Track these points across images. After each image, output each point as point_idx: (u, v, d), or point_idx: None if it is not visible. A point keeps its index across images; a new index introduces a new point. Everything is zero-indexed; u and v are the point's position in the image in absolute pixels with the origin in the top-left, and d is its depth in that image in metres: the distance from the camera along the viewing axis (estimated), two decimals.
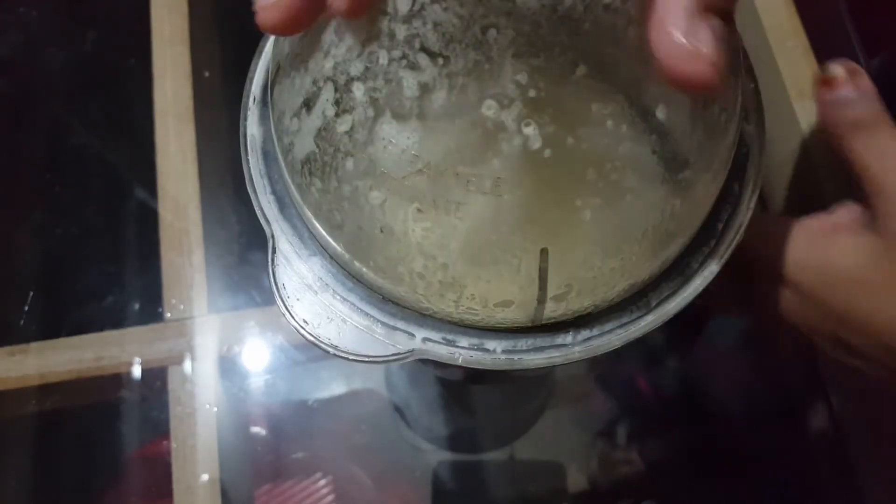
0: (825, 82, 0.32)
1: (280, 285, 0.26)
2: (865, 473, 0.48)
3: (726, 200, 0.27)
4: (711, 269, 0.26)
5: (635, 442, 0.49)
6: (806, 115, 0.44)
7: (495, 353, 0.24)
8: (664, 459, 0.50)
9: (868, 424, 0.49)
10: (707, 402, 0.51)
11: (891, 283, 0.29)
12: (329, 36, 0.22)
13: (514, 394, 0.51)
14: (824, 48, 0.46)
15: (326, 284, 0.26)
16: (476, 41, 0.20)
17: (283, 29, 0.21)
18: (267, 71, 0.29)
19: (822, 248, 0.31)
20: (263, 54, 0.29)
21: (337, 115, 0.22)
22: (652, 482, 0.49)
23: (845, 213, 0.32)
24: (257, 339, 0.50)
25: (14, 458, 0.49)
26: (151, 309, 0.50)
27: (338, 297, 0.26)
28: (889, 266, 0.29)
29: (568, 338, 0.25)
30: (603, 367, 0.51)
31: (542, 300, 0.23)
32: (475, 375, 0.45)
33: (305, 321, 0.25)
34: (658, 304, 0.26)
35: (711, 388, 0.52)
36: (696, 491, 0.49)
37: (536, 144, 0.21)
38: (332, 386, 0.50)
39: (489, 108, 0.20)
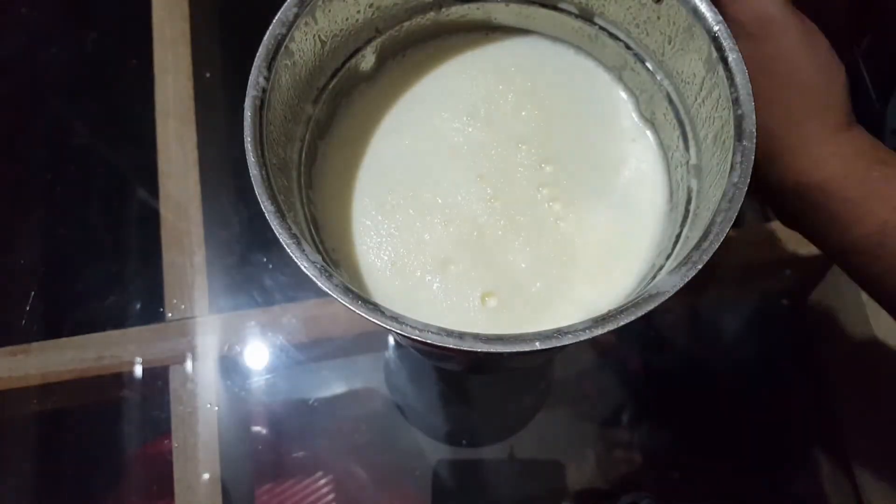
0: None
1: None
2: (863, 466, 0.48)
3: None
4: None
5: (635, 439, 0.49)
6: None
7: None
8: (664, 456, 0.50)
9: (866, 415, 0.49)
10: (707, 398, 0.51)
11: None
12: None
13: (513, 387, 0.51)
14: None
15: None
16: None
17: None
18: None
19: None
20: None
21: None
22: (652, 478, 0.49)
23: None
24: (258, 338, 0.50)
25: (16, 457, 0.49)
26: (153, 309, 0.50)
27: None
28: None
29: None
30: (603, 358, 0.51)
31: None
32: (474, 366, 0.45)
33: None
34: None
35: (711, 383, 0.52)
36: (695, 487, 0.49)
37: None
38: (332, 385, 0.51)
39: None
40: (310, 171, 0.34)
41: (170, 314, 0.50)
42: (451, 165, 0.35)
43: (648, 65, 0.34)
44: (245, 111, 0.28)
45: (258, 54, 0.29)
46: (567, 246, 0.33)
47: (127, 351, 0.49)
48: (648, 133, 0.35)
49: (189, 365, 0.49)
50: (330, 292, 0.25)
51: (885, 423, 0.48)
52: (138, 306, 0.51)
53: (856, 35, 0.46)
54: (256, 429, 0.50)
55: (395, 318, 0.25)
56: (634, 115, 0.36)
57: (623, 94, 0.36)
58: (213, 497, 0.46)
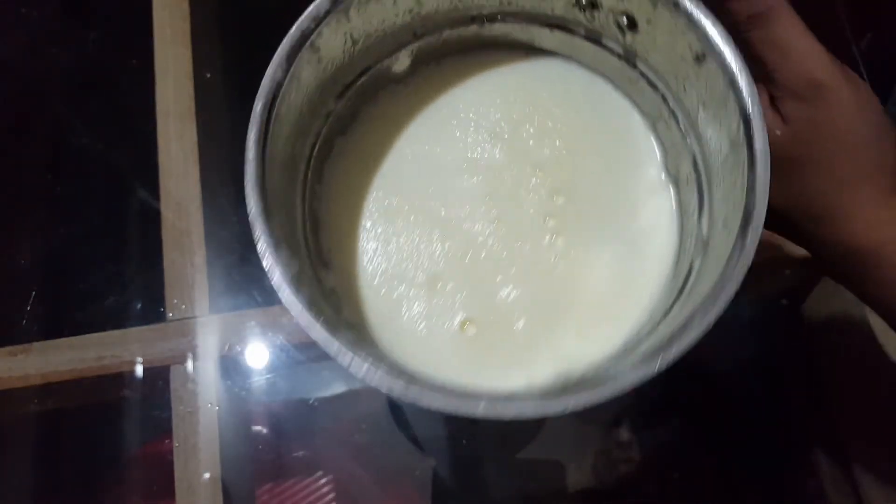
0: None
1: None
2: (863, 466, 0.48)
3: None
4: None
5: (635, 439, 0.50)
6: None
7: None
8: (664, 456, 0.50)
9: (866, 414, 0.49)
10: (707, 398, 0.52)
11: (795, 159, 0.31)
12: None
13: None
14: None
15: None
16: None
17: None
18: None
19: None
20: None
21: None
22: (652, 478, 0.49)
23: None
24: (258, 338, 0.50)
25: (16, 457, 0.49)
26: (153, 309, 0.50)
27: None
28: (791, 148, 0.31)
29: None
30: None
31: None
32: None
33: None
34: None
35: (711, 383, 0.52)
36: (695, 487, 0.49)
37: None
38: (332, 385, 0.51)
39: None
40: (321, 165, 0.33)
41: (170, 314, 0.50)
42: (463, 179, 0.34)
43: (682, 123, 0.32)
44: (255, 103, 0.27)
45: (281, 46, 0.28)
46: (561, 289, 0.32)
47: (127, 351, 0.49)
48: (670, 190, 0.33)
49: (190, 365, 0.49)
50: (284, 301, 0.25)
51: (884, 423, 0.48)
52: (138, 306, 0.51)
53: (856, 35, 0.46)
54: (257, 429, 0.50)
55: (350, 348, 0.25)
56: (661, 169, 0.34)
57: (654, 144, 0.34)
58: (214, 497, 0.46)
